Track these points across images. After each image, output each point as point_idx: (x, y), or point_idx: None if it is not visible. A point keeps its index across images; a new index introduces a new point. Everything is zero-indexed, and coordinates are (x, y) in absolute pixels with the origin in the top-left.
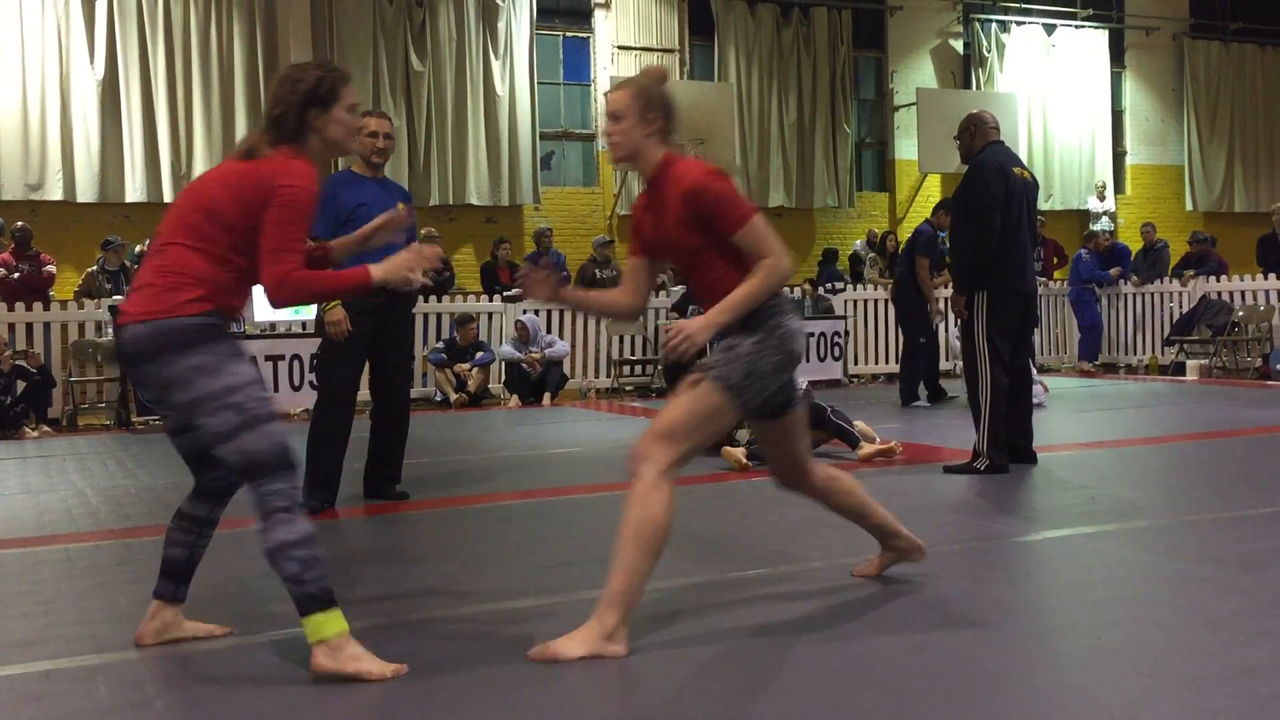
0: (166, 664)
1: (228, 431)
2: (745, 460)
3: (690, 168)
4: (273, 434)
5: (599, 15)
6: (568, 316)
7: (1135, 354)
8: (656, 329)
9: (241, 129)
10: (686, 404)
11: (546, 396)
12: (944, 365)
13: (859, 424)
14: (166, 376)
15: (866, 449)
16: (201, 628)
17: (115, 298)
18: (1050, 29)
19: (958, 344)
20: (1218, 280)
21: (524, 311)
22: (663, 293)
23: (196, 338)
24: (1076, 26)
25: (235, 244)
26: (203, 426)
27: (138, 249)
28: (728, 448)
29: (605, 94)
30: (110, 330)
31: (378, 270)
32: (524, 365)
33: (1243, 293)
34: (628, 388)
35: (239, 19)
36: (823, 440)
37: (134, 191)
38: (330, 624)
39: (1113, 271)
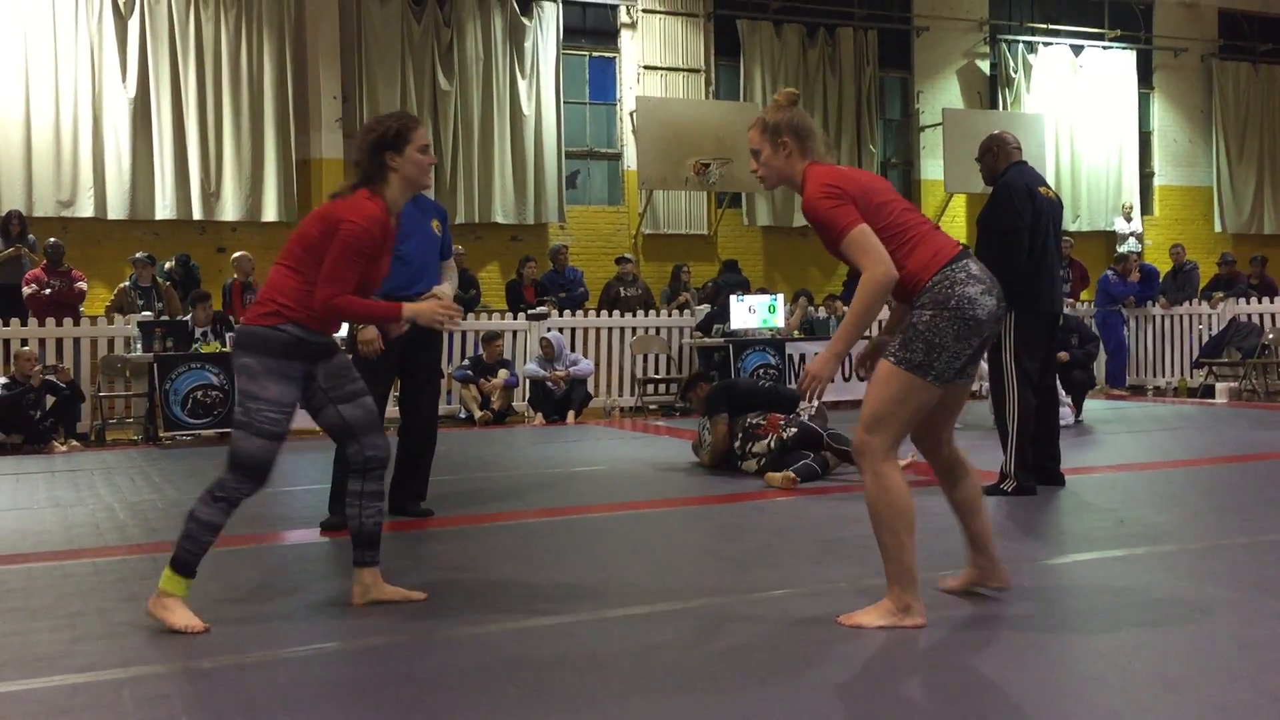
0: (193, 679)
1: (235, 424)
2: (794, 476)
3: (809, 182)
4: (258, 450)
5: (625, 35)
6: (592, 335)
7: (1164, 376)
8: (681, 348)
9: (271, 147)
10: (878, 390)
11: (570, 414)
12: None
13: None
14: (234, 363)
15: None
16: (400, 592)
17: (145, 313)
18: (1078, 49)
19: (984, 365)
20: (1248, 302)
21: (548, 329)
22: (686, 312)
23: (256, 345)
24: (1104, 47)
25: (317, 265)
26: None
27: (167, 265)
28: (771, 473)
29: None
30: (139, 346)
31: (409, 309)
32: (548, 383)
33: (1273, 315)
34: (652, 406)
35: (269, 38)
36: (831, 464)
37: (164, 209)
38: (171, 583)
39: (1132, 276)
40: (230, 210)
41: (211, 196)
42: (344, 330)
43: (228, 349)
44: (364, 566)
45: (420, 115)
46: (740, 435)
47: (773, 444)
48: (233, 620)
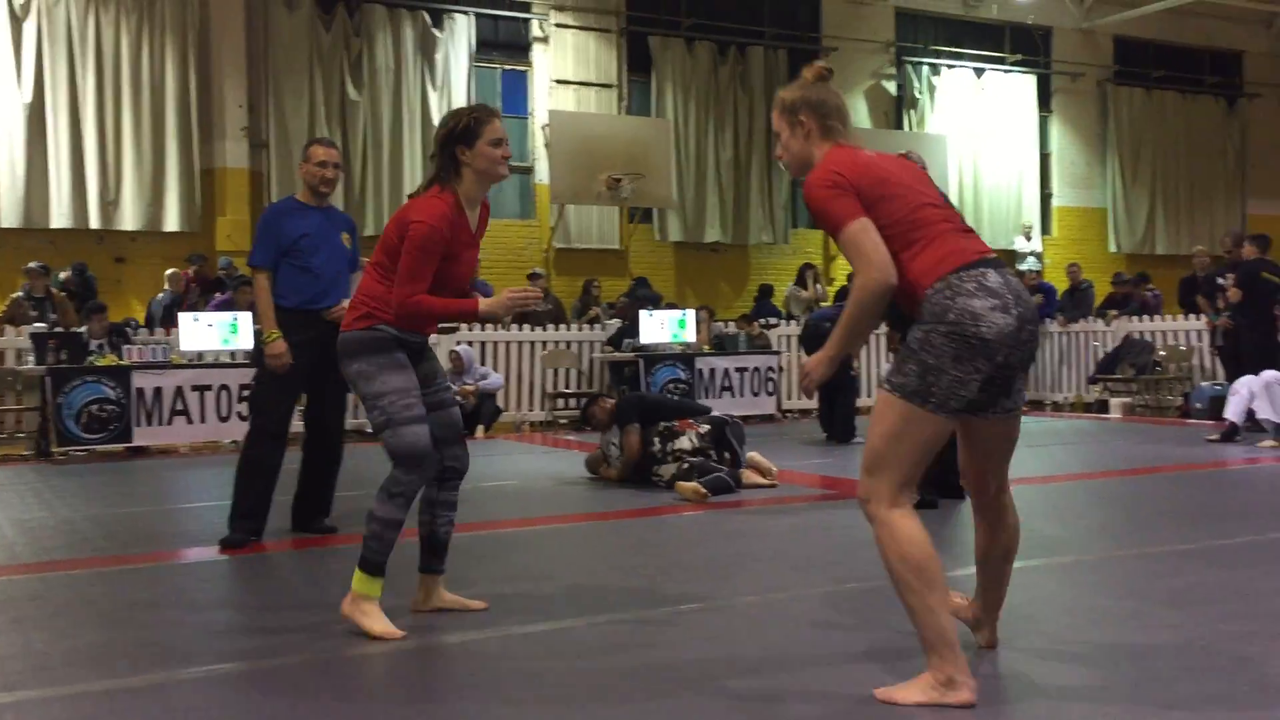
0: (81, 704)
1: (377, 427)
2: (703, 491)
3: (816, 167)
4: (409, 438)
5: (537, 49)
6: (502, 349)
7: (1061, 391)
8: (591, 362)
9: (173, 156)
10: (875, 424)
11: (480, 429)
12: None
13: (755, 455)
14: (347, 375)
15: (748, 476)
16: (459, 600)
17: (39, 325)
18: (980, 72)
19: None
20: (1141, 320)
21: (458, 343)
22: (597, 326)
23: (359, 349)
24: (1005, 71)
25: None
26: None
27: (62, 275)
28: (681, 482)
29: None
30: (32, 358)
31: (484, 305)
32: (457, 397)
33: (1164, 333)
34: (562, 420)
35: (171, 44)
36: (745, 479)
37: (60, 217)
38: (363, 585)
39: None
40: (129, 219)
41: (110, 205)
42: (250, 341)
43: (124, 361)
44: (429, 573)
45: (328, 125)
46: (657, 439)
47: (694, 439)
48: (126, 642)
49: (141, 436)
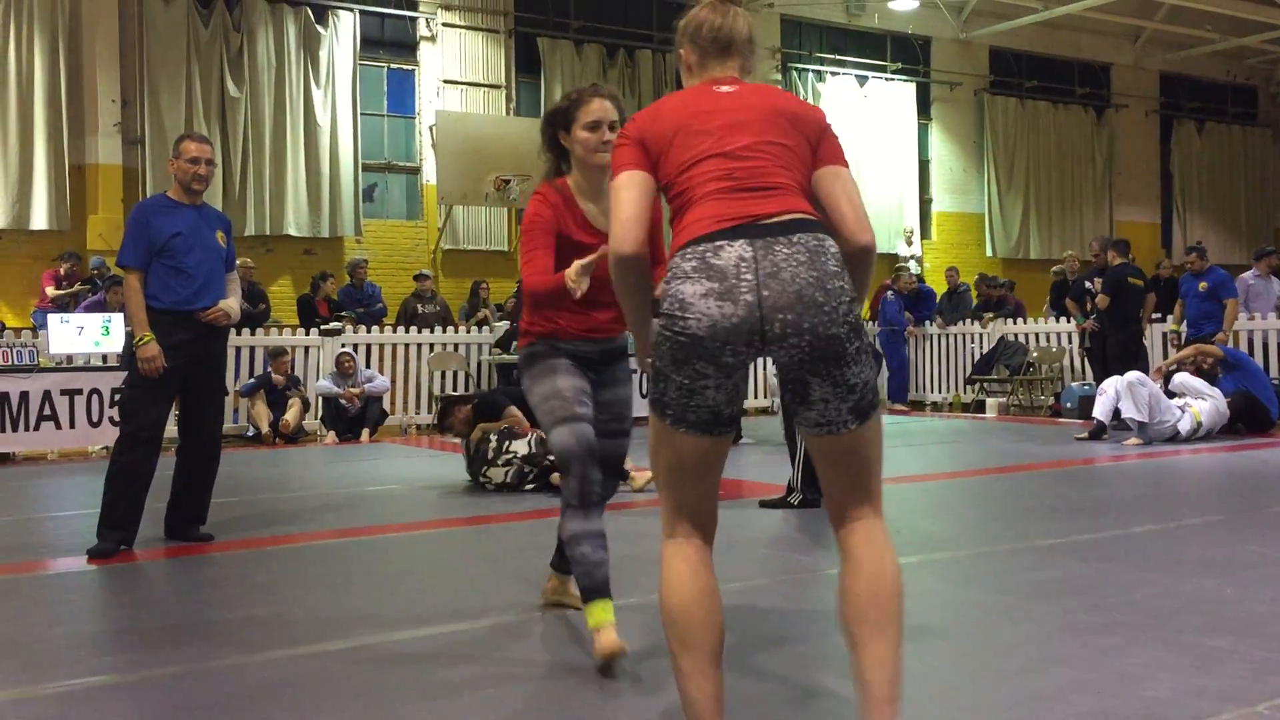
0: None
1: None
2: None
3: None
4: (555, 440)
5: (425, 48)
6: (388, 351)
7: (940, 392)
8: (479, 365)
9: (41, 151)
10: None
11: (365, 433)
12: (761, 403)
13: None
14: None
15: (639, 479)
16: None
17: None
18: (863, 80)
19: (775, 381)
20: (1015, 323)
21: (343, 346)
22: (485, 328)
23: (521, 367)
24: (887, 79)
25: None
26: None
27: None
28: (556, 473)
29: None
30: None
31: (569, 273)
32: (342, 400)
33: (1037, 335)
34: None
35: (40, 36)
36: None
37: None
38: (592, 617)
39: (908, 318)
40: None
41: None
42: (121, 344)
43: None
44: (560, 571)
45: (207, 122)
46: (494, 436)
47: (532, 444)
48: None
49: (6, 443)
